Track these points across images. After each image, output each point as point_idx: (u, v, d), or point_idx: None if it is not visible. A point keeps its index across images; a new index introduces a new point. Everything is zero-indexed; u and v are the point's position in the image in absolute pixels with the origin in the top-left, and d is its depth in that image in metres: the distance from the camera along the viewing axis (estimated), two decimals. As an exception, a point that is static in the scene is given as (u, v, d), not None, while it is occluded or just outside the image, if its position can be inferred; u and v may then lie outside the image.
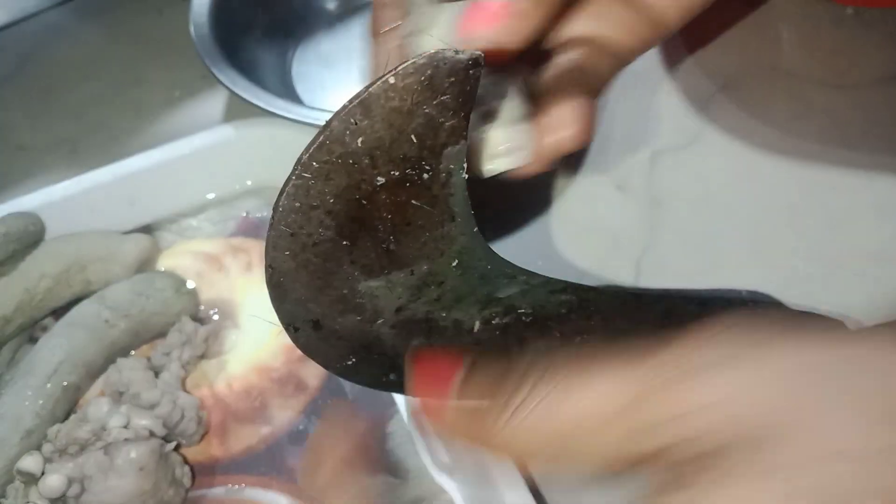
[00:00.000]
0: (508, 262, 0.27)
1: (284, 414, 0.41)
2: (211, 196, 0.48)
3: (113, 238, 0.44)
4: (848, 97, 0.53)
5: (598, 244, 0.45)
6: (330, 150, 0.21)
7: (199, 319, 0.42)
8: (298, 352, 0.43)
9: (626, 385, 0.20)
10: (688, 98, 0.52)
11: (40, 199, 0.45)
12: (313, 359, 0.29)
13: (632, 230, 0.46)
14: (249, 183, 0.48)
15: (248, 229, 0.48)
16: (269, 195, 0.49)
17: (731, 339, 0.20)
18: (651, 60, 0.55)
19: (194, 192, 0.48)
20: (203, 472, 0.39)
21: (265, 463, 0.40)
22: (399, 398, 0.41)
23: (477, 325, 0.29)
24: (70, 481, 0.35)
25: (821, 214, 0.47)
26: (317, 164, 0.21)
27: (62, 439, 0.36)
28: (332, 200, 0.22)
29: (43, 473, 0.36)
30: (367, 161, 0.21)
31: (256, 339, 0.43)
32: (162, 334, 0.42)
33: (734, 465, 0.18)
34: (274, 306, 0.26)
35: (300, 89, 0.54)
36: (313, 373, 0.42)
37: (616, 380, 0.20)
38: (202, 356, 0.42)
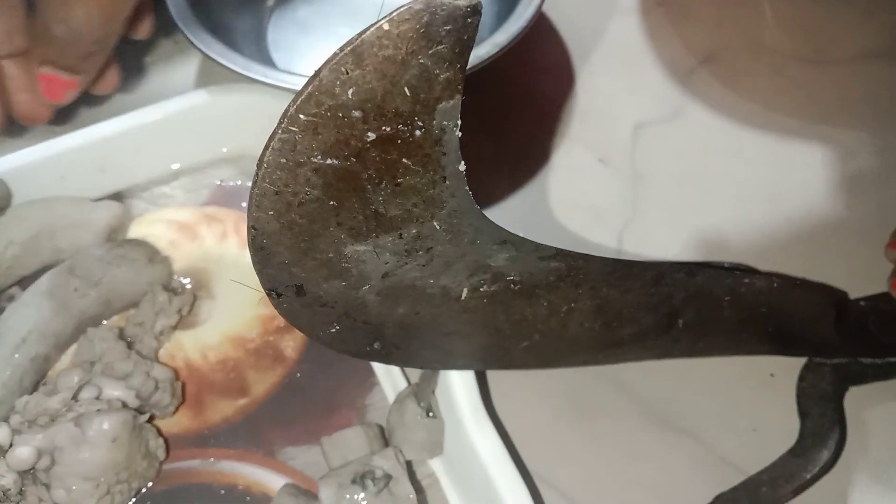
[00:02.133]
0: (499, 226, 0.26)
1: (262, 386, 0.40)
2: (184, 164, 0.47)
3: (83, 205, 0.42)
4: (826, 73, 0.53)
5: (581, 217, 0.45)
6: (319, 102, 0.20)
7: (172, 289, 0.41)
8: (275, 323, 0.42)
9: None
10: (669, 72, 0.52)
11: (7, 163, 0.43)
12: (296, 326, 0.28)
13: (614, 203, 0.46)
14: (224, 150, 0.47)
15: (222, 198, 0.47)
16: (244, 163, 0.47)
17: None
18: (633, 33, 0.54)
19: (166, 160, 0.46)
20: (178, 445, 0.38)
21: (242, 435, 0.39)
22: (378, 370, 0.41)
23: (465, 292, 0.28)
24: (40, 453, 0.34)
25: (799, 188, 0.47)
26: (304, 117, 0.20)
27: (32, 410, 0.35)
28: (319, 157, 0.21)
29: (11, 445, 0.34)
30: (357, 115, 0.20)
31: (232, 309, 0.42)
32: (134, 304, 0.41)
33: None
34: (256, 270, 0.25)
35: (276, 57, 0.52)
36: (291, 344, 0.41)
37: None
38: (176, 327, 0.41)
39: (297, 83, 0.43)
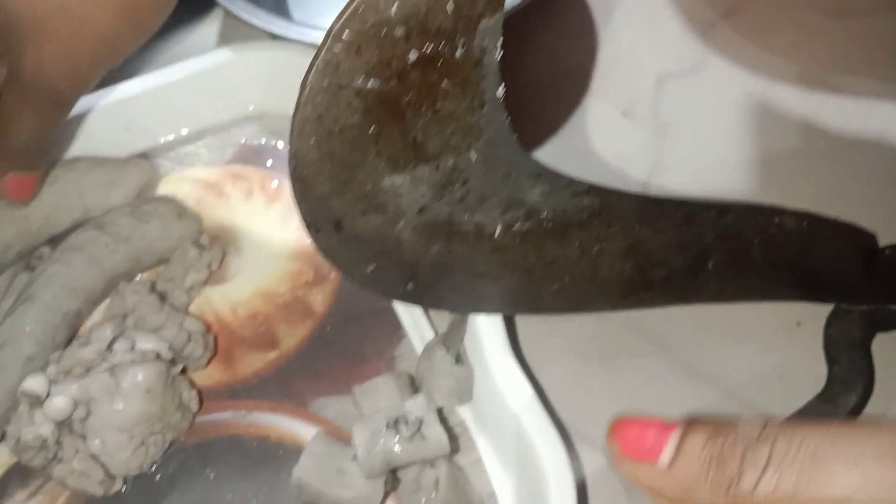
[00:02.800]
0: (533, 159, 0.26)
1: (292, 339, 0.41)
2: (208, 123, 0.47)
3: (112, 164, 0.43)
4: (849, 25, 0.52)
5: (605, 170, 0.45)
6: (363, 19, 0.20)
7: (201, 246, 0.42)
8: (304, 278, 0.42)
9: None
10: (691, 25, 0.52)
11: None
12: (334, 264, 0.29)
13: (638, 156, 0.46)
14: (250, 108, 0.47)
15: (247, 156, 0.47)
16: (268, 122, 0.48)
17: None
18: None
19: (191, 118, 0.47)
20: (210, 397, 0.39)
21: (274, 387, 0.39)
22: (406, 322, 0.41)
23: (498, 229, 0.28)
24: (76, 403, 0.35)
25: (822, 140, 0.47)
26: (348, 35, 0.20)
27: (66, 360, 0.35)
28: (361, 79, 0.21)
29: (48, 395, 0.35)
30: (400, 32, 0.20)
31: (260, 265, 0.43)
32: (164, 261, 0.41)
33: None
34: (296, 201, 0.26)
35: (297, 16, 0.52)
36: (320, 298, 0.42)
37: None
38: (206, 283, 0.41)
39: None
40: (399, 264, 0.29)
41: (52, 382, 0.35)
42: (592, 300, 0.34)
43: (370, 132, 0.23)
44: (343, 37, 0.20)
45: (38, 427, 0.34)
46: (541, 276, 0.32)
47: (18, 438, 0.35)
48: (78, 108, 0.44)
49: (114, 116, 0.45)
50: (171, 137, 0.46)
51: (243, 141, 0.47)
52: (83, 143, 0.44)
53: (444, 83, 0.22)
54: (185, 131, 0.47)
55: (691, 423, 0.20)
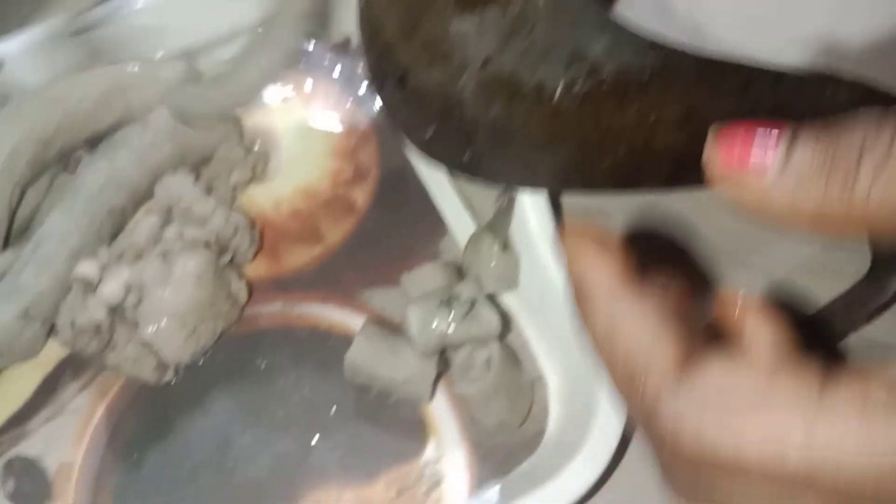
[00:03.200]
0: (599, 8, 0.26)
1: (335, 234, 0.41)
2: (245, 23, 0.46)
3: (152, 64, 0.42)
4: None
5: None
6: None
7: (245, 145, 0.41)
8: (344, 175, 0.42)
9: None
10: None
11: (68, 26, 0.43)
12: (395, 124, 0.29)
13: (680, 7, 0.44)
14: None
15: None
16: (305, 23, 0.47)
17: None
18: None
19: (227, 19, 0.46)
20: (259, 289, 0.39)
21: (320, 280, 0.39)
22: (449, 218, 0.41)
23: (559, 89, 0.28)
24: (128, 288, 0.35)
25: None
26: None
27: (119, 245, 0.35)
28: None
29: (100, 280, 0.35)
30: None
31: (301, 164, 0.43)
32: (206, 160, 0.41)
33: None
34: (364, 52, 0.26)
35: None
36: (361, 196, 0.42)
37: None
38: (249, 181, 0.41)
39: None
40: (458, 128, 0.29)
41: (103, 268, 0.35)
42: (644, 177, 0.34)
43: (440, -31, 0.23)
44: None
45: (92, 312, 0.35)
46: (595, 146, 0.31)
47: (73, 323, 0.35)
48: (109, 10, 0.44)
49: (149, 18, 0.44)
50: (206, 39, 0.46)
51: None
52: (118, 45, 0.43)
53: None
54: (219, 32, 0.46)
55: (799, 128, 0.18)
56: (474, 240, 0.37)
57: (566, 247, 0.22)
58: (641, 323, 0.19)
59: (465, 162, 0.31)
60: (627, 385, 0.19)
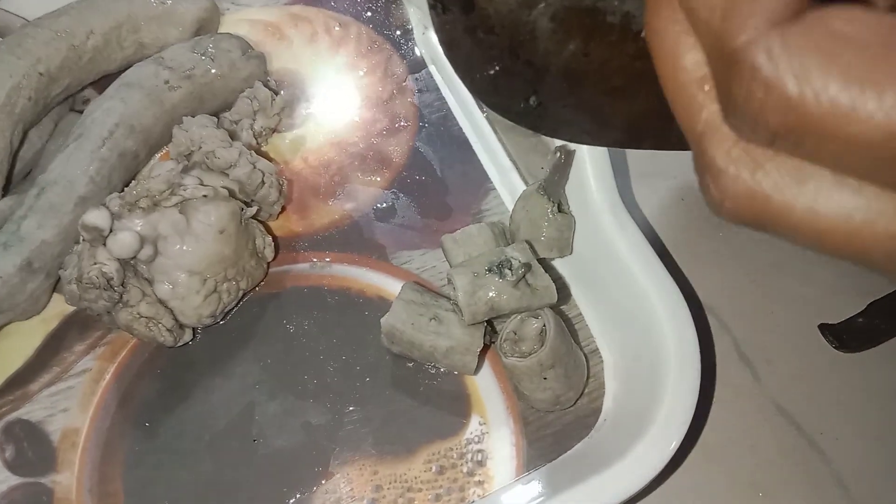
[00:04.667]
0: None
1: (368, 190, 0.37)
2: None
3: (168, -6, 0.38)
4: None
5: None
6: None
7: (271, 88, 0.38)
8: (378, 126, 0.39)
9: None
10: None
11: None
12: (453, 61, 0.25)
13: None
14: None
15: (309, -2, 0.42)
16: (335, -40, 0.43)
17: None
18: None
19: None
20: (286, 247, 0.36)
21: (351, 239, 0.36)
22: (494, 175, 0.38)
23: (647, 25, 0.24)
24: (142, 240, 0.31)
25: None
26: None
27: (131, 193, 0.32)
28: None
29: (112, 231, 0.31)
30: None
31: (330, 112, 0.39)
32: (227, 105, 0.38)
33: None
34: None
35: None
36: (398, 149, 0.38)
37: None
38: (274, 128, 0.38)
39: None
40: (526, 67, 0.25)
41: (115, 217, 0.32)
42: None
43: None
44: None
45: (103, 265, 0.31)
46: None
47: (80, 277, 0.31)
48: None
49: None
50: (228, -27, 0.42)
51: (306, -22, 0.43)
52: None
53: None
54: (242, -32, 0.42)
55: None
56: (525, 200, 0.34)
57: None
58: None
59: (528, 108, 0.27)
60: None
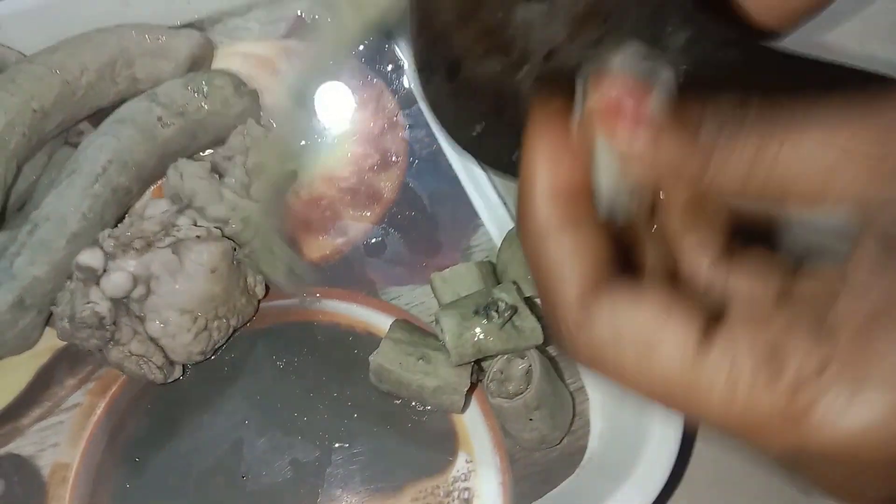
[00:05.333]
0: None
1: (359, 225, 0.38)
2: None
3: (161, 31, 0.39)
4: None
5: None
6: None
7: (263, 124, 0.38)
8: (369, 161, 0.39)
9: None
10: None
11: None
12: (438, 119, 0.25)
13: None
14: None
15: (302, 31, 0.43)
16: (327, -6, 0.43)
17: None
18: None
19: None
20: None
21: (342, 274, 0.37)
22: (483, 211, 0.38)
23: (630, 82, 0.25)
24: (135, 280, 0.32)
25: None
26: None
27: (126, 233, 0.32)
28: None
29: (105, 271, 0.32)
30: None
31: (322, 147, 0.40)
32: (220, 140, 0.38)
33: None
34: (412, 37, 0.22)
35: None
36: (388, 185, 0.39)
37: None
38: (266, 164, 0.38)
39: None
40: (510, 126, 0.26)
41: (109, 257, 0.32)
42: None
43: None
44: None
45: (95, 304, 0.32)
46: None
47: (72, 316, 0.32)
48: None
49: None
50: (217, 8, 0.42)
51: (298, 13, 0.43)
52: (123, 12, 0.40)
53: None
54: (233, 2, 0.42)
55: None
56: (511, 239, 0.35)
57: (533, 134, 0.20)
58: (566, 243, 0.19)
59: (513, 162, 0.28)
60: (542, 295, 0.20)
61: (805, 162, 0.18)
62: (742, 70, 0.26)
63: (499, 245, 0.36)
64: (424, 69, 0.24)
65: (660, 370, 0.17)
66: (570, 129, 0.20)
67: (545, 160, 0.20)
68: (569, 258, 0.19)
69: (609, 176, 0.20)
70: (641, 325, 0.18)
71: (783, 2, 0.29)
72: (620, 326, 0.18)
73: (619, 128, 0.19)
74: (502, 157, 0.28)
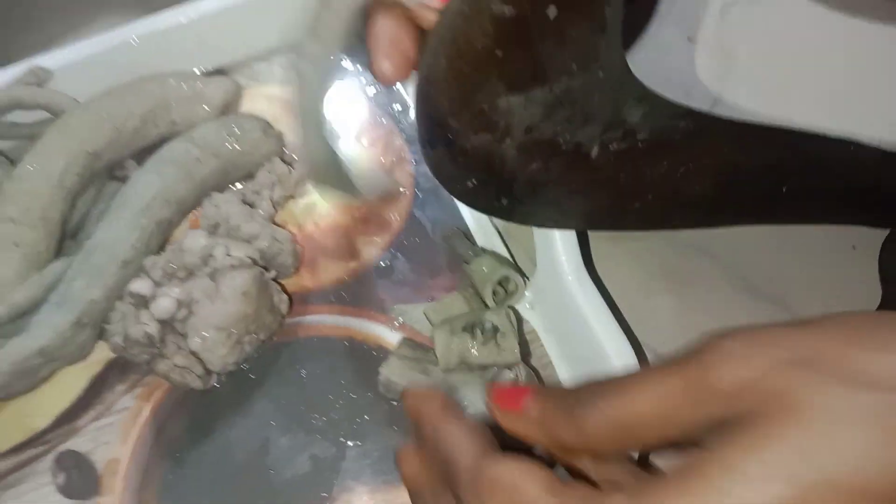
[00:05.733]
0: (640, 81, 0.28)
1: (370, 250, 0.43)
2: (279, 41, 0.48)
3: (197, 79, 0.44)
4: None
5: (670, 96, 0.46)
6: None
7: (287, 162, 0.43)
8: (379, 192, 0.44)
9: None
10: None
11: (109, 40, 0.44)
12: (438, 177, 0.31)
13: (703, 81, 0.46)
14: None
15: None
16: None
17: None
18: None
19: (264, 36, 0.48)
20: (298, 301, 0.41)
21: (355, 294, 0.42)
22: (479, 237, 0.43)
23: (595, 149, 0.30)
24: (179, 304, 0.37)
25: (890, 66, 0.47)
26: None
27: (171, 265, 0.37)
28: (499, 5, 0.23)
29: (154, 297, 0.37)
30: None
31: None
32: (249, 175, 0.43)
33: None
34: (417, 118, 0.27)
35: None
36: (395, 214, 0.44)
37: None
38: (290, 196, 0.43)
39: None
40: (497, 180, 0.31)
41: (157, 285, 0.37)
42: (670, 219, 0.36)
43: (497, 55, 0.24)
44: None
45: (145, 325, 0.37)
46: (627, 193, 0.33)
47: (126, 335, 0.37)
48: (154, 24, 0.45)
49: (188, 33, 0.46)
50: (244, 54, 0.47)
51: (317, 59, 0.48)
52: (160, 60, 0.45)
53: (573, 10, 0.23)
54: (257, 48, 0.48)
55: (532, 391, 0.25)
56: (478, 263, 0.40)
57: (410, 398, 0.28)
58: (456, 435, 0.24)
59: (501, 206, 0.33)
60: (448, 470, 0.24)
61: (645, 409, 0.22)
62: (695, 134, 0.32)
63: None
64: (427, 142, 0.29)
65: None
66: None
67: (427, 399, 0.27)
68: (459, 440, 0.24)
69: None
70: (512, 472, 0.22)
71: None
72: (499, 475, 0.22)
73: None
74: (492, 203, 0.33)
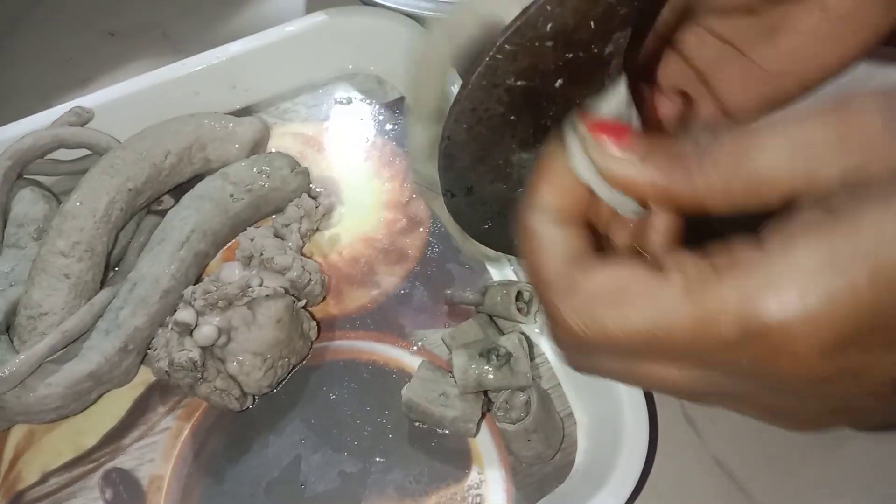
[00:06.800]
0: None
1: (390, 279, 0.46)
2: (304, 81, 0.51)
3: (229, 119, 0.47)
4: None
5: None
6: (522, 34, 0.25)
7: (314, 197, 0.47)
8: (398, 225, 0.48)
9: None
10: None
11: (146, 80, 0.48)
12: (458, 221, 0.34)
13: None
14: (349, 67, 0.52)
15: (341, 113, 0.51)
16: (359, 81, 0.52)
17: None
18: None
19: (290, 77, 0.51)
20: (326, 327, 0.45)
21: (378, 320, 0.45)
22: (491, 268, 0.46)
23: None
24: (220, 332, 0.41)
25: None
26: (509, 46, 0.25)
27: (212, 296, 0.41)
28: (512, 79, 0.26)
29: (196, 325, 0.41)
30: (549, 44, 0.25)
31: (360, 213, 0.48)
32: (278, 209, 0.47)
33: None
34: (440, 173, 0.31)
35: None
36: (414, 244, 0.47)
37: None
38: (316, 229, 0.47)
39: (408, 4, 0.47)
40: (512, 223, 0.34)
41: (199, 314, 0.41)
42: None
43: (510, 119, 0.28)
44: (506, 47, 0.25)
45: (189, 351, 0.40)
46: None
47: (171, 360, 0.41)
48: (188, 66, 0.49)
49: (221, 74, 0.49)
50: (271, 94, 0.51)
51: (337, 98, 0.51)
52: (191, 99, 0.49)
53: (578, 79, 0.27)
54: (284, 88, 0.51)
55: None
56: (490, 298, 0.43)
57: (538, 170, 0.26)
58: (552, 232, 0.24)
59: (513, 245, 0.36)
60: (533, 276, 0.24)
61: (777, 160, 0.20)
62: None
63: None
64: (448, 192, 0.32)
65: (633, 310, 0.20)
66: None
67: (546, 183, 0.26)
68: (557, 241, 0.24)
69: (603, 189, 0.25)
70: (615, 279, 0.21)
71: (758, 92, 0.32)
72: (598, 284, 0.21)
73: (609, 142, 0.23)
74: (504, 242, 0.36)
